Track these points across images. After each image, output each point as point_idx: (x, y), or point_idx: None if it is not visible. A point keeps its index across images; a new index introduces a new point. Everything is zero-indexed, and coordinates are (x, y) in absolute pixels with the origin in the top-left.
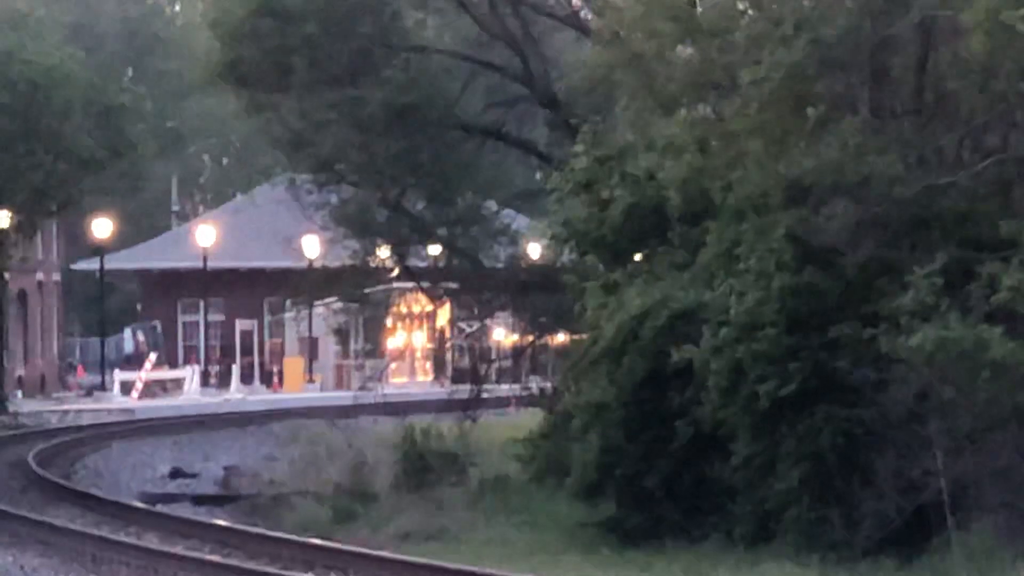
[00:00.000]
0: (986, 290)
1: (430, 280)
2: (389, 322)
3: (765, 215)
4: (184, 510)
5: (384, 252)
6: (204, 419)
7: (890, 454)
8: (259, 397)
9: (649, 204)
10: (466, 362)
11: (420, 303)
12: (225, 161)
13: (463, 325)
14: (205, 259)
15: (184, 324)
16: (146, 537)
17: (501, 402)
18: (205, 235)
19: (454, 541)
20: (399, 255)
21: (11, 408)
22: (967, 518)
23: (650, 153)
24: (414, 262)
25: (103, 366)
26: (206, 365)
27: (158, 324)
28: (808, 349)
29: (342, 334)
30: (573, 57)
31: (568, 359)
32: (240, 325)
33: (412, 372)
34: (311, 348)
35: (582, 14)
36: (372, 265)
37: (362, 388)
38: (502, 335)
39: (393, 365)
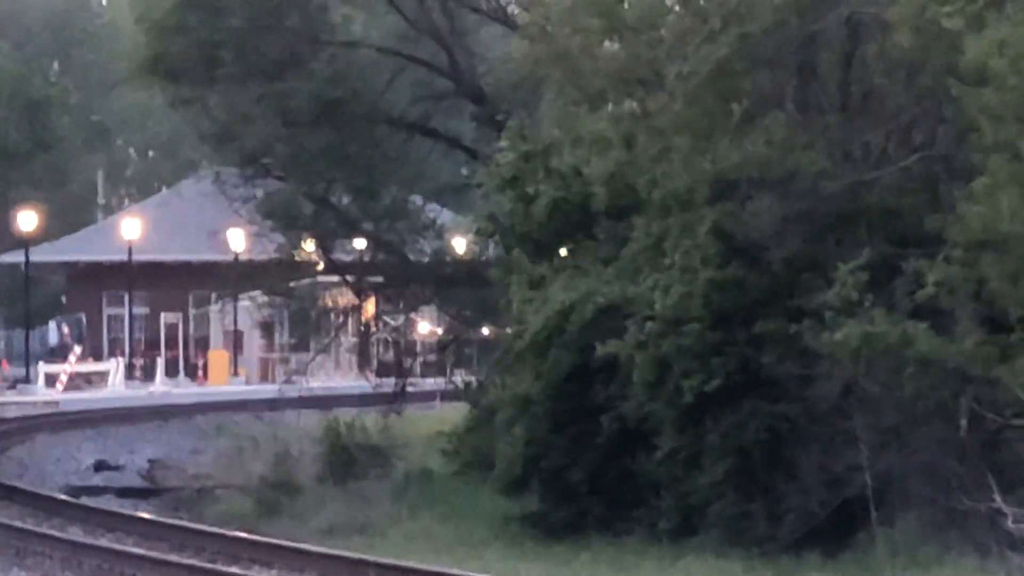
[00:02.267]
0: (911, 286)
1: (355, 274)
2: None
3: (691, 210)
4: (109, 503)
5: (310, 246)
6: (129, 412)
7: (815, 449)
8: (184, 390)
9: (575, 199)
10: (391, 356)
11: (345, 297)
12: (151, 154)
13: (388, 319)
14: (130, 252)
15: (109, 317)
16: (70, 529)
17: (426, 396)
18: (131, 228)
19: (378, 534)
20: (324, 249)
21: None
22: (891, 513)
23: (576, 148)
24: (339, 256)
25: (27, 359)
26: (131, 358)
27: (83, 317)
28: (733, 344)
29: (267, 327)
30: (500, 52)
31: (493, 353)
32: (165, 318)
33: (337, 366)
34: (236, 341)
35: (509, 9)
36: (297, 259)
37: (287, 381)
38: (427, 329)
39: (318, 359)
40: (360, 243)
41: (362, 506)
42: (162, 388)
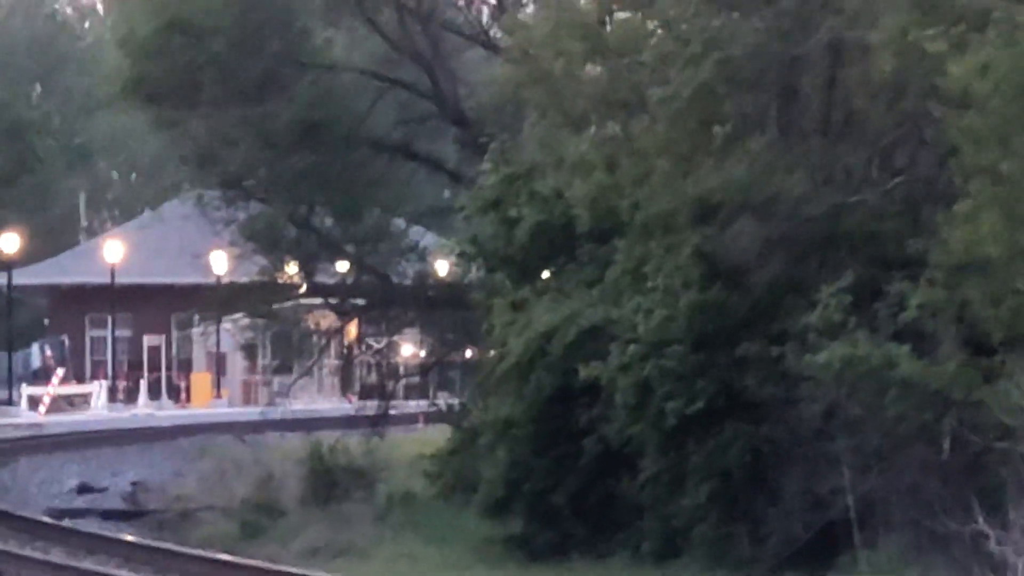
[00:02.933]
0: (893, 308)
1: (338, 296)
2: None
3: (673, 233)
4: (92, 525)
5: (292, 268)
6: (112, 434)
7: (797, 471)
8: (167, 412)
9: (557, 222)
10: (374, 378)
11: (328, 319)
12: (133, 177)
13: (371, 341)
14: (113, 274)
15: (92, 339)
16: (53, 552)
17: (409, 418)
18: (113, 250)
19: (361, 557)
20: (307, 271)
21: None
22: (874, 535)
23: (559, 171)
24: (322, 278)
25: (11, 381)
26: (114, 380)
27: (66, 339)
28: (715, 367)
29: (250, 350)
30: (482, 75)
31: (476, 376)
32: (148, 340)
33: (320, 388)
34: (219, 364)
35: (491, 32)
36: (280, 281)
37: (270, 404)
38: (410, 351)
39: (301, 381)
40: (343, 266)
41: (345, 528)
42: (145, 410)
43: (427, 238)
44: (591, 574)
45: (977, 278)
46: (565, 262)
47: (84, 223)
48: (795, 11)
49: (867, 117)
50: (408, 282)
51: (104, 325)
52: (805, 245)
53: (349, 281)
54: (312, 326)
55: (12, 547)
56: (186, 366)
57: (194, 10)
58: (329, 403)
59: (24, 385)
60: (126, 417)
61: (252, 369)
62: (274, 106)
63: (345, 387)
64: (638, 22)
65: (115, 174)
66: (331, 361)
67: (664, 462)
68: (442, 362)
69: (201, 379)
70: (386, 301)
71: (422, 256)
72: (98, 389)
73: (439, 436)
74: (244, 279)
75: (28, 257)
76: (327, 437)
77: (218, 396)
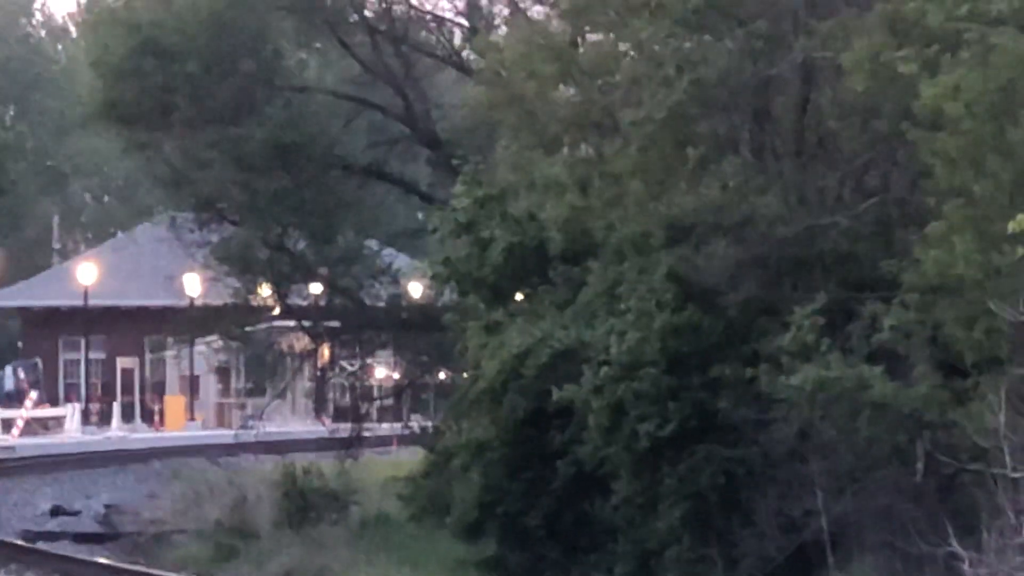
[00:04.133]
0: (867, 330)
1: (311, 319)
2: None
3: (646, 255)
4: (65, 548)
5: (265, 291)
6: (85, 457)
7: (771, 493)
8: (140, 435)
9: (530, 244)
10: (347, 400)
11: (301, 342)
12: (107, 199)
13: (344, 364)
14: (86, 297)
15: (65, 362)
16: (26, 575)
17: (383, 441)
18: (86, 273)
19: None
20: (280, 294)
21: None
22: (847, 557)
23: (531, 193)
24: (295, 301)
25: None
26: (87, 403)
27: (39, 362)
28: (689, 388)
29: (223, 372)
30: (455, 97)
31: (449, 398)
32: (121, 363)
33: (293, 410)
34: (192, 386)
35: (464, 54)
36: (253, 304)
37: (243, 426)
38: (383, 374)
39: (274, 403)
40: (316, 288)
41: (319, 551)
42: (118, 433)
43: (400, 260)
44: None
45: (950, 300)
46: (538, 284)
47: (57, 245)
48: (768, 33)
49: (840, 138)
50: (381, 304)
51: (77, 348)
52: (778, 267)
53: (322, 303)
54: (285, 348)
55: None
56: (159, 389)
57: (167, 32)
58: (303, 425)
59: None
60: (99, 440)
61: (226, 392)
62: (247, 128)
63: (319, 409)
64: (610, 44)
65: (88, 196)
66: (305, 383)
67: (637, 484)
68: (415, 384)
69: (175, 402)
70: (359, 323)
71: (395, 278)
72: (71, 412)
73: (412, 458)
74: (217, 301)
75: (1, 280)
76: (301, 460)
77: (192, 419)
